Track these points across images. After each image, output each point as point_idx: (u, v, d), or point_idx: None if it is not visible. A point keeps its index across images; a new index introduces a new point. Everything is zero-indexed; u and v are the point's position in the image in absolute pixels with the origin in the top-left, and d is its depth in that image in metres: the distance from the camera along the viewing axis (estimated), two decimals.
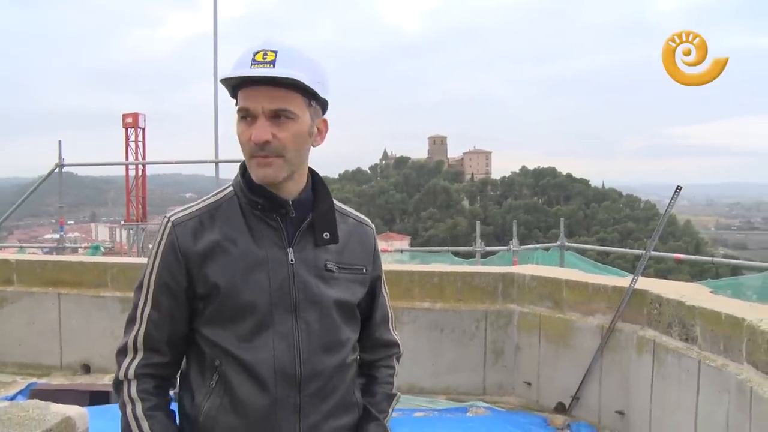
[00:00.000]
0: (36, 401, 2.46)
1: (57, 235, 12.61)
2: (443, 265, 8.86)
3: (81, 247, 14.23)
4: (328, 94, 1.59)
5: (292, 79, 1.46)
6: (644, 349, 4.66)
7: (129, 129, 23.55)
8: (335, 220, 1.66)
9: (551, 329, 5.41)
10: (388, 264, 5.70)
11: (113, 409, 5.47)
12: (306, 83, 1.48)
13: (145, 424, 1.55)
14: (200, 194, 1.69)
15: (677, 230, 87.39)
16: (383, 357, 1.85)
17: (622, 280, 5.41)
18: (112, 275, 6.38)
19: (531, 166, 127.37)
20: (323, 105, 1.60)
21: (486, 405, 5.46)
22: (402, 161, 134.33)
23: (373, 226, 1.83)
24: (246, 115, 1.51)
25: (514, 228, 10.79)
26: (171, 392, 1.65)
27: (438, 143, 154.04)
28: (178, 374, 1.68)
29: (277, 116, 1.49)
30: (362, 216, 1.81)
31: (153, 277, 1.59)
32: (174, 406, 1.68)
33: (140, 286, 1.62)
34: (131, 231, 17.07)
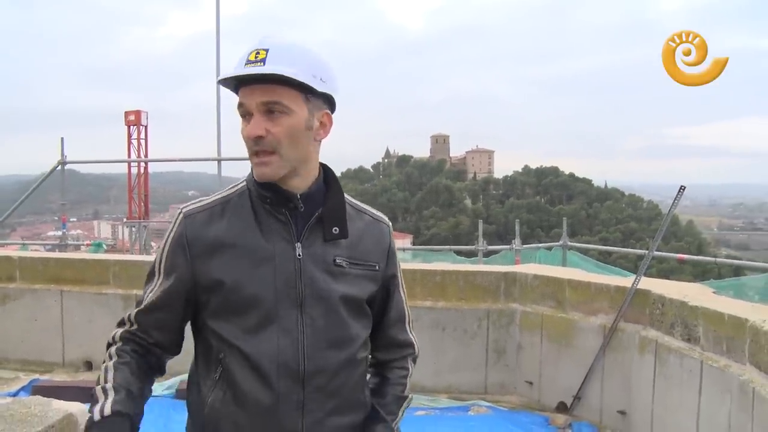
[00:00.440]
0: (38, 398, 2.46)
1: (59, 233, 12.62)
2: (445, 263, 8.85)
3: (83, 245, 14.25)
4: (331, 87, 1.59)
5: (280, 75, 1.48)
6: (646, 349, 4.66)
7: (131, 126, 23.60)
8: (345, 215, 1.66)
9: (553, 329, 5.41)
10: None
11: None
12: (295, 77, 1.49)
13: (110, 374, 1.59)
14: (202, 192, 1.71)
15: (680, 230, 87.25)
16: (397, 357, 1.83)
17: (625, 280, 5.40)
18: (114, 272, 6.39)
19: (533, 166, 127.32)
20: (327, 99, 1.60)
21: (487, 404, 5.47)
22: (404, 160, 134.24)
23: (390, 224, 1.83)
24: (244, 113, 1.55)
25: (517, 227, 10.79)
26: (152, 364, 1.70)
27: (440, 142, 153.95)
28: (165, 355, 1.72)
29: (270, 111, 1.51)
30: (379, 213, 1.80)
31: (162, 265, 1.62)
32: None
33: (151, 273, 1.66)
34: (133, 228, 17.08)
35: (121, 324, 1.69)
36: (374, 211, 1.79)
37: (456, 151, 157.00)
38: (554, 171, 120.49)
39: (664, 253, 9.80)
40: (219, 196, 1.66)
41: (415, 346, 1.88)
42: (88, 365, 6.43)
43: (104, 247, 12.70)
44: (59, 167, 11.49)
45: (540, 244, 12.03)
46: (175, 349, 1.71)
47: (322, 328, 1.59)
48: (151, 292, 1.63)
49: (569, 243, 10.20)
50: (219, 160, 11.35)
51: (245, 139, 1.55)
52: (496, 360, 5.75)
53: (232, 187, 1.68)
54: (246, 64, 1.51)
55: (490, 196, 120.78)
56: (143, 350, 1.65)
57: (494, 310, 5.75)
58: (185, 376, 5.76)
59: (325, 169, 1.69)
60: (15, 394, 5.35)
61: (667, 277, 6.46)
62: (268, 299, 1.56)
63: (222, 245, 1.57)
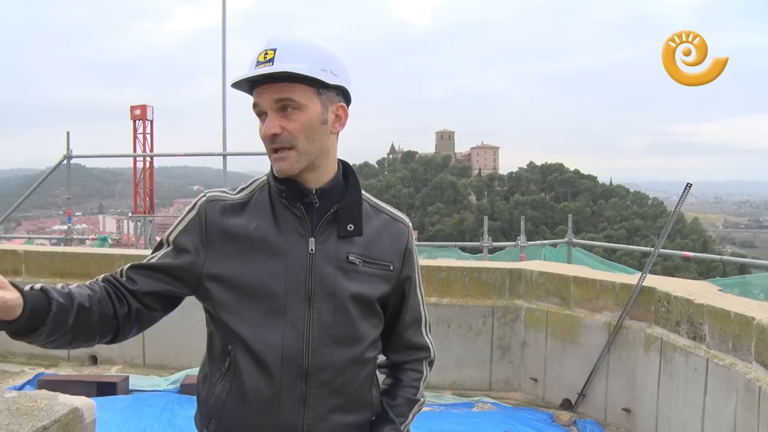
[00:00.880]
0: (44, 391, 2.46)
1: (65, 227, 12.64)
2: (450, 260, 8.86)
3: (88, 239, 14.25)
4: (343, 80, 1.59)
5: (287, 72, 1.49)
6: (652, 346, 4.65)
7: (137, 121, 23.59)
8: (361, 213, 1.65)
9: (558, 326, 5.40)
10: None
11: (120, 400, 5.49)
12: (304, 73, 1.49)
13: (67, 287, 1.49)
14: (207, 187, 1.72)
15: (685, 228, 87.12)
16: (411, 360, 1.82)
17: (630, 278, 5.40)
18: (120, 267, 6.40)
19: (538, 162, 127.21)
20: (341, 91, 1.60)
21: (492, 401, 5.47)
22: (409, 156, 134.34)
23: (410, 225, 1.80)
24: (260, 113, 1.56)
25: (522, 224, 10.75)
26: (114, 311, 1.54)
27: (445, 138, 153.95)
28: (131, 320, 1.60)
29: (284, 108, 1.52)
30: (400, 213, 1.79)
31: (174, 239, 1.62)
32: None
33: (160, 244, 1.66)
34: (139, 223, 17.13)
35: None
36: (394, 210, 1.78)
37: (461, 147, 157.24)
38: (559, 168, 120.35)
39: (669, 251, 9.78)
40: (240, 188, 1.68)
41: (431, 350, 1.85)
42: (93, 359, 6.45)
43: (109, 241, 12.69)
44: (65, 161, 11.51)
45: (545, 241, 12.02)
46: (143, 319, 1.62)
47: (329, 325, 1.58)
48: (153, 257, 1.63)
49: (574, 240, 10.19)
50: (224, 155, 11.38)
51: (262, 139, 1.56)
52: (500, 357, 5.75)
53: (254, 181, 1.69)
54: (256, 65, 1.52)
55: (495, 192, 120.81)
56: (115, 294, 1.56)
57: (499, 306, 5.75)
58: (190, 371, 5.76)
59: (344, 166, 1.69)
60: (20, 388, 5.37)
61: (672, 275, 6.46)
62: (277, 292, 1.56)
63: (237, 235, 1.58)
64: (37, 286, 1.42)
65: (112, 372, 6.15)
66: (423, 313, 1.83)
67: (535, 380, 5.58)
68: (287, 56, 1.50)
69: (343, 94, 1.62)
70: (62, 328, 1.42)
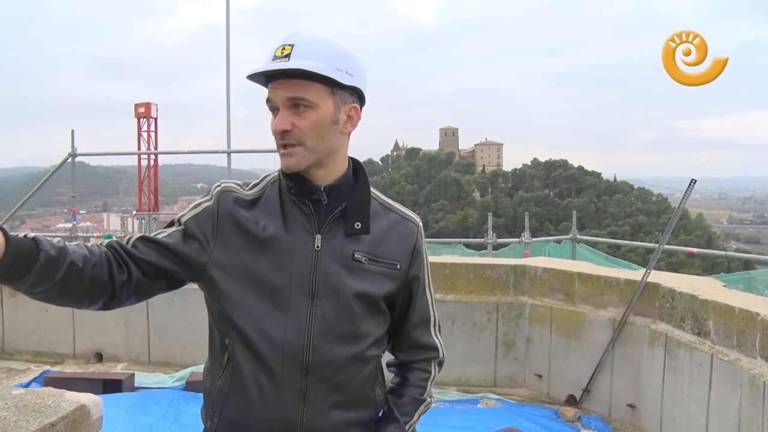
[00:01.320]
0: (51, 389, 2.47)
1: (69, 225, 12.67)
2: (455, 256, 8.86)
3: (93, 237, 14.26)
4: (359, 81, 1.59)
5: (303, 70, 1.48)
6: (656, 342, 4.65)
7: (141, 119, 23.65)
8: (369, 211, 1.65)
9: (563, 322, 5.40)
10: None
11: (126, 397, 5.51)
12: (319, 72, 1.49)
13: (63, 242, 1.45)
14: (211, 184, 1.71)
15: (689, 224, 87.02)
16: (419, 359, 1.81)
17: (635, 274, 5.40)
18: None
19: (542, 159, 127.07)
20: (355, 91, 1.60)
21: (497, 397, 5.47)
22: (413, 152, 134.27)
23: (420, 224, 1.79)
24: (272, 108, 1.56)
25: (526, 220, 10.77)
26: (111, 275, 1.51)
27: (449, 135, 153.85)
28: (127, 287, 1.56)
29: (296, 105, 1.52)
30: (410, 212, 1.78)
31: (186, 218, 1.62)
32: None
33: (171, 223, 1.65)
34: (143, 221, 17.15)
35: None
36: (404, 209, 1.78)
37: (465, 143, 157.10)
38: (563, 164, 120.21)
39: (673, 247, 9.77)
40: (253, 182, 1.69)
41: (440, 350, 1.84)
42: (99, 357, 6.48)
43: (114, 239, 12.72)
44: (69, 159, 11.52)
45: (549, 237, 12.01)
46: (143, 290, 1.59)
47: (331, 322, 1.58)
48: (163, 233, 1.61)
49: (578, 236, 10.18)
50: (228, 153, 11.37)
51: (273, 133, 1.57)
52: (505, 353, 5.75)
53: (266, 177, 1.70)
54: (273, 59, 1.52)
55: (499, 189, 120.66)
56: (116, 261, 1.53)
57: (504, 303, 5.76)
58: (195, 368, 5.78)
59: (354, 164, 1.69)
60: (27, 386, 5.40)
61: (676, 271, 6.45)
62: (281, 287, 1.56)
63: (246, 228, 1.58)
64: (31, 234, 1.38)
65: (117, 369, 6.17)
66: (432, 313, 1.82)
67: (540, 376, 5.58)
68: (304, 53, 1.50)
69: (358, 95, 1.61)
70: (48, 281, 1.39)
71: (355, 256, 1.61)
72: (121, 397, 5.18)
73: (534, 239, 10.38)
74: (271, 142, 1.62)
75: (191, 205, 1.66)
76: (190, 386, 5.44)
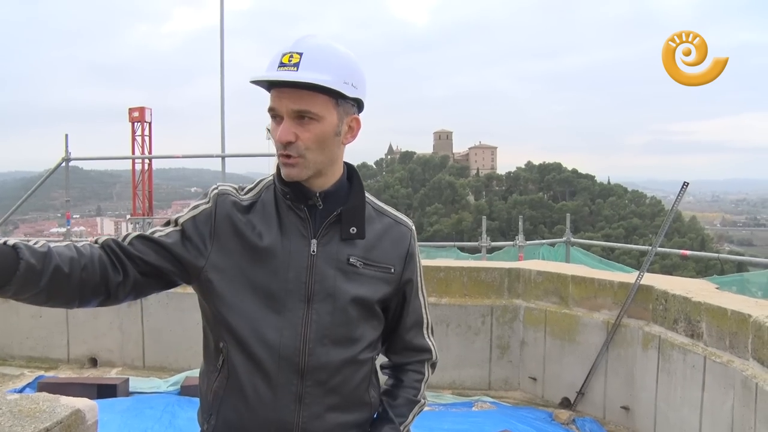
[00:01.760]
0: (45, 394, 2.47)
1: (63, 229, 12.61)
2: (449, 260, 8.87)
3: (87, 240, 14.22)
4: (361, 92, 1.60)
5: (312, 84, 1.47)
6: (650, 344, 4.67)
7: (135, 123, 23.63)
8: (364, 216, 1.67)
9: (557, 324, 5.42)
10: None
11: (121, 402, 5.48)
12: (329, 86, 1.49)
13: (46, 246, 1.43)
14: (205, 189, 1.71)
15: (682, 226, 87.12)
16: (412, 361, 1.83)
17: (628, 276, 5.42)
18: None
19: (536, 162, 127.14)
20: (356, 102, 1.61)
21: (491, 400, 5.49)
22: (407, 156, 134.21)
23: (413, 228, 1.80)
24: (274, 115, 1.55)
25: (520, 223, 10.76)
26: (104, 276, 1.50)
27: (443, 138, 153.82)
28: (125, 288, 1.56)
29: (300, 117, 1.52)
30: (403, 217, 1.79)
31: (183, 219, 1.62)
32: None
33: (167, 222, 1.65)
34: (137, 225, 17.12)
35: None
36: (397, 213, 1.79)
37: (459, 147, 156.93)
38: (557, 167, 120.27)
39: (667, 249, 9.81)
40: (249, 186, 1.69)
41: (433, 352, 1.86)
42: (93, 362, 6.46)
43: (110, 237, 12.66)
44: (63, 164, 11.50)
45: (543, 241, 12.02)
46: (140, 288, 1.59)
47: (327, 325, 1.60)
48: (161, 232, 1.61)
49: (572, 239, 10.20)
50: (223, 157, 11.36)
51: (276, 141, 1.56)
52: (499, 356, 5.76)
53: (261, 181, 1.70)
54: (279, 66, 1.50)
55: (493, 192, 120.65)
56: (110, 261, 1.53)
57: (498, 306, 5.77)
58: (190, 373, 5.77)
59: (348, 168, 1.70)
60: (21, 391, 5.38)
61: (670, 273, 6.48)
62: (277, 291, 1.57)
63: (243, 232, 1.59)
64: (11, 241, 1.35)
65: (112, 374, 6.16)
66: (425, 316, 1.84)
67: (534, 379, 5.60)
68: (313, 64, 1.49)
69: (358, 105, 1.62)
70: (32, 288, 1.37)
71: (350, 260, 1.62)
72: (116, 402, 5.17)
73: (528, 242, 10.38)
74: (266, 147, 1.64)
75: (188, 207, 1.66)
76: (185, 391, 5.43)
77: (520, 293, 5.79)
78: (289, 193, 1.60)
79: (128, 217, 22.32)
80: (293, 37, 1.55)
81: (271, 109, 1.55)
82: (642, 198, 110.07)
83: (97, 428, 2.44)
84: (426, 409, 1.84)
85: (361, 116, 1.65)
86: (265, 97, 1.60)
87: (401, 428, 1.74)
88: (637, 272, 5.14)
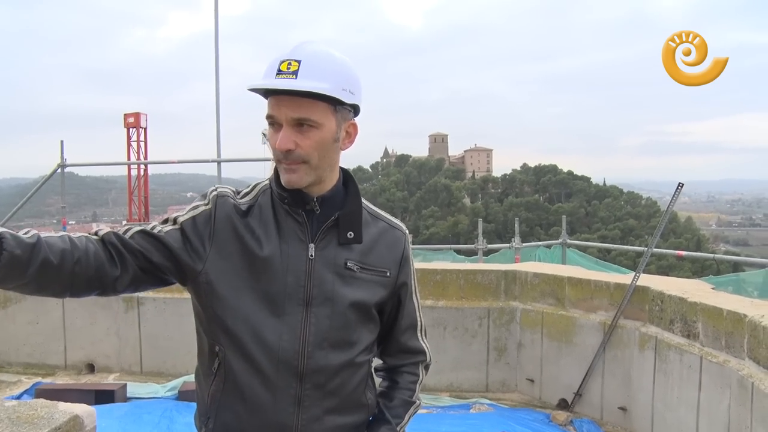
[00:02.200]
0: (43, 400, 2.47)
1: None
2: (445, 262, 8.87)
3: None
4: (358, 98, 1.61)
5: (312, 92, 1.48)
6: (646, 345, 4.68)
7: (131, 129, 23.60)
8: (361, 221, 1.68)
9: (554, 326, 5.43)
10: None
11: (118, 407, 5.48)
12: (328, 93, 1.49)
13: (35, 237, 1.40)
14: (201, 194, 1.70)
15: (678, 227, 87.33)
16: (407, 363, 1.85)
17: (624, 277, 5.43)
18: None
19: (532, 164, 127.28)
20: (353, 108, 1.62)
21: (489, 402, 5.49)
22: (403, 159, 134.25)
23: (407, 232, 1.82)
24: (273, 122, 1.55)
25: (516, 225, 10.80)
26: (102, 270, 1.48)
27: (439, 141, 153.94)
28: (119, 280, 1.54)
29: (300, 124, 1.52)
30: (397, 221, 1.81)
31: (182, 219, 1.61)
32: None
33: (166, 220, 1.64)
34: None
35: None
36: (391, 218, 1.81)
37: (455, 150, 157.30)
38: (553, 169, 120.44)
39: (663, 250, 9.84)
40: (245, 191, 1.69)
41: (427, 354, 1.88)
42: (90, 368, 6.45)
43: (111, 230, 12.63)
44: (59, 170, 11.49)
45: (539, 242, 12.03)
46: (139, 283, 1.58)
47: (326, 329, 1.61)
48: (161, 229, 1.60)
49: (568, 241, 10.21)
50: (218, 162, 11.36)
51: (273, 148, 1.56)
52: (497, 358, 5.77)
53: (257, 185, 1.70)
54: (277, 74, 1.50)
55: (489, 194, 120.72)
56: (108, 255, 1.52)
57: (495, 308, 5.78)
58: (188, 378, 5.75)
59: (344, 173, 1.71)
60: (18, 397, 5.37)
61: (666, 274, 6.50)
62: (276, 295, 1.58)
63: (241, 236, 1.59)
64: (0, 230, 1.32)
65: (109, 380, 6.15)
66: (419, 319, 1.86)
67: (532, 381, 5.60)
68: (311, 72, 1.49)
69: (354, 110, 1.63)
70: (17, 279, 1.35)
71: (348, 264, 1.64)
72: (114, 407, 5.16)
73: (524, 244, 10.40)
74: (261, 151, 1.64)
75: (188, 207, 1.65)
76: (183, 396, 5.43)
77: (516, 295, 5.80)
78: (287, 198, 1.61)
79: (124, 222, 22.23)
80: (290, 44, 1.55)
81: (269, 117, 1.55)
82: (638, 199, 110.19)
83: None
84: (423, 411, 1.86)
85: (357, 120, 1.66)
86: (260, 101, 1.59)
87: (397, 429, 1.77)
88: (634, 273, 5.15)
